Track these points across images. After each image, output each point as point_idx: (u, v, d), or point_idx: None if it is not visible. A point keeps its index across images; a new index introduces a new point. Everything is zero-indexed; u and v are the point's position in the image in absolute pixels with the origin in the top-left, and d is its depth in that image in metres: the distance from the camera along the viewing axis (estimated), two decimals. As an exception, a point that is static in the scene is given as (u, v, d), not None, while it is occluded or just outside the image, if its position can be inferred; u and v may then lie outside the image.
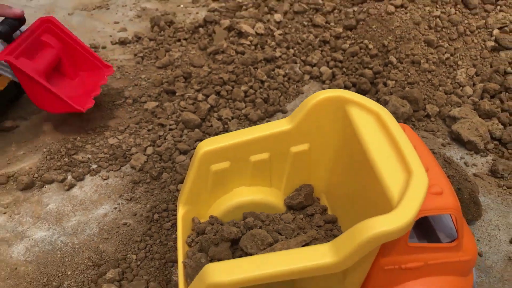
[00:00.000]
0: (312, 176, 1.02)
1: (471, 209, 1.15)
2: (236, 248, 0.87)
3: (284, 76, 1.64)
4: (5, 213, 1.20)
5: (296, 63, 1.69)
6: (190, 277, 0.85)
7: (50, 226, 1.17)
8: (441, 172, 0.83)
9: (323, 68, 1.66)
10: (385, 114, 0.86)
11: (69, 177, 1.29)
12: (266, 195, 1.01)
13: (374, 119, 0.87)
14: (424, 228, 0.88)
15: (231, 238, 0.85)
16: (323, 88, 1.62)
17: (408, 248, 0.79)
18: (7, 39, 1.32)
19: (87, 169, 1.31)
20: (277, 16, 1.78)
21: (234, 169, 0.98)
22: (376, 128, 0.85)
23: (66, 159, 1.34)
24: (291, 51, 1.71)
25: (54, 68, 1.46)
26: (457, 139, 1.42)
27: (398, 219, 0.68)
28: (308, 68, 1.67)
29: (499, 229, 1.18)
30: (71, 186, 1.27)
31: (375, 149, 0.81)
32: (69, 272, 1.06)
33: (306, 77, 1.67)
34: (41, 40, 1.43)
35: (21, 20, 1.36)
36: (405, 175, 0.76)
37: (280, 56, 1.69)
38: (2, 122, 1.45)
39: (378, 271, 0.80)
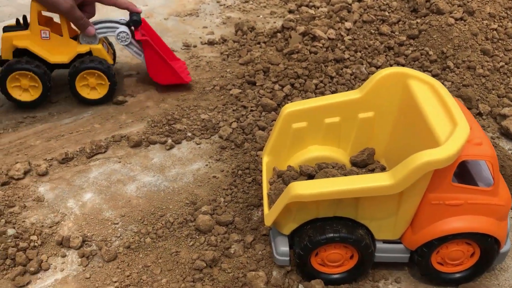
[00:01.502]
0: (374, 141, 1.24)
1: (513, 185, 1.31)
2: (311, 183, 1.10)
3: (351, 74, 1.87)
4: (119, 162, 1.49)
5: (362, 64, 1.92)
6: (273, 202, 1.08)
7: (155, 174, 1.45)
8: (482, 131, 1.03)
9: (386, 70, 1.87)
10: (438, 84, 1.07)
11: (169, 141, 1.57)
12: (335, 153, 1.24)
13: (429, 88, 1.08)
14: (466, 176, 1.07)
15: (308, 173, 1.08)
16: (385, 87, 1.83)
17: (451, 187, 0.98)
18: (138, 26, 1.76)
19: (184, 136, 1.59)
20: (348, 24, 2.03)
21: (310, 129, 1.22)
22: (430, 94, 1.06)
23: (166, 127, 1.63)
24: (359, 54, 1.94)
25: None
26: (506, 134, 1.58)
27: (444, 151, 0.89)
28: (373, 69, 1.89)
29: (539, 206, 1.33)
30: (171, 147, 1.55)
31: (429, 109, 1.02)
32: (170, 207, 1.33)
33: (370, 77, 1.88)
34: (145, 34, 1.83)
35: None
36: (451, 126, 0.96)
37: (348, 58, 1.93)
38: (115, 97, 1.77)
39: (426, 205, 1.00)
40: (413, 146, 1.09)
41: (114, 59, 1.89)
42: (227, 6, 2.58)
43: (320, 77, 1.82)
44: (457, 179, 1.08)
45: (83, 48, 1.69)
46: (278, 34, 2.15)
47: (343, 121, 1.21)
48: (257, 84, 1.84)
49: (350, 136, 1.24)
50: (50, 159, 1.49)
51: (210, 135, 1.60)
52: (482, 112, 1.67)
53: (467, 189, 0.99)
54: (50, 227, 1.26)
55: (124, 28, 1.72)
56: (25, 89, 1.68)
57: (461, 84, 1.74)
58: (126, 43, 1.73)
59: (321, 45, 1.96)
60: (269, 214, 1.04)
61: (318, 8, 2.38)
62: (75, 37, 1.71)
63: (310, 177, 1.10)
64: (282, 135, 1.21)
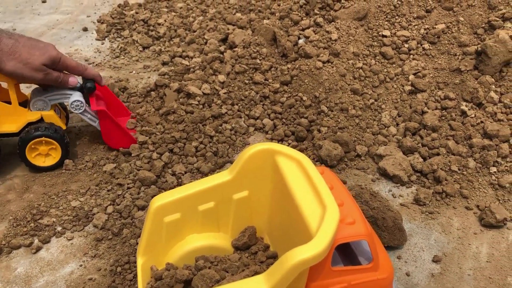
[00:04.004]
0: (254, 219, 1.18)
1: (396, 235, 1.32)
2: (189, 288, 1.00)
3: (231, 130, 1.82)
4: (-25, 280, 1.28)
5: (241, 117, 1.87)
6: (150, 318, 0.97)
7: (19, 288, 1.26)
8: (354, 205, 1.01)
9: (265, 120, 1.85)
10: (305, 160, 1.04)
11: (36, 241, 1.39)
12: (215, 240, 1.16)
13: (296, 165, 1.04)
14: (347, 254, 1.05)
15: (184, 280, 0.98)
16: (267, 138, 1.81)
17: (332, 272, 0.94)
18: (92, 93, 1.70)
19: (53, 232, 1.42)
20: (221, 77, 1.98)
21: (185, 219, 1.13)
22: (298, 172, 1.02)
23: (32, 225, 1.44)
24: (236, 107, 1.90)
25: None
26: (384, 174, 1.62)
27: (315, 247, 0.84)
28: (252, 121, 1.86)
29: (423, 250, 1.36)
30: (38, 249, 1.37)
31: (297, 189, 0.98)
32: (40, 329, 1.15)
33: (251, 129, 1.85)
34: (97, 94, 1.77)
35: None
36: (321, 209, 0.92)
37: (226, 112, 1.88)
38: (-33, 195, 1.55)
39: (310, 295, 0.95)
40: (289, 225, 1.05)
41: (66, 122, 1.81)
42: (96, 64, 2.42)
43: (200, 138, 1.75)
44: (340, 258, 1.05)
45: (34, 116, 1.59)
46: (152, 92, 2.05)
47: (219, 205, 1.14)
48: (133, 155, 1.71)
49: (229, 218, 1.16)
50: None
51: (83, 225, 1.44)
52: (360, 153, 1.70)
53: (348, 270, 0.96)
54: None
55: (78, 97, 1.64)
56: None
57: (336, 127, 1.76)
58: (80, 111, 1.66)
59: (196, 102, 1.89)
60: (145, 336, 0.93)
61: (192, 58, 2.32)
62: (23, 102, 1.63)
63: (187, 283, 1.00)
64: (154, 231, 1.11)
